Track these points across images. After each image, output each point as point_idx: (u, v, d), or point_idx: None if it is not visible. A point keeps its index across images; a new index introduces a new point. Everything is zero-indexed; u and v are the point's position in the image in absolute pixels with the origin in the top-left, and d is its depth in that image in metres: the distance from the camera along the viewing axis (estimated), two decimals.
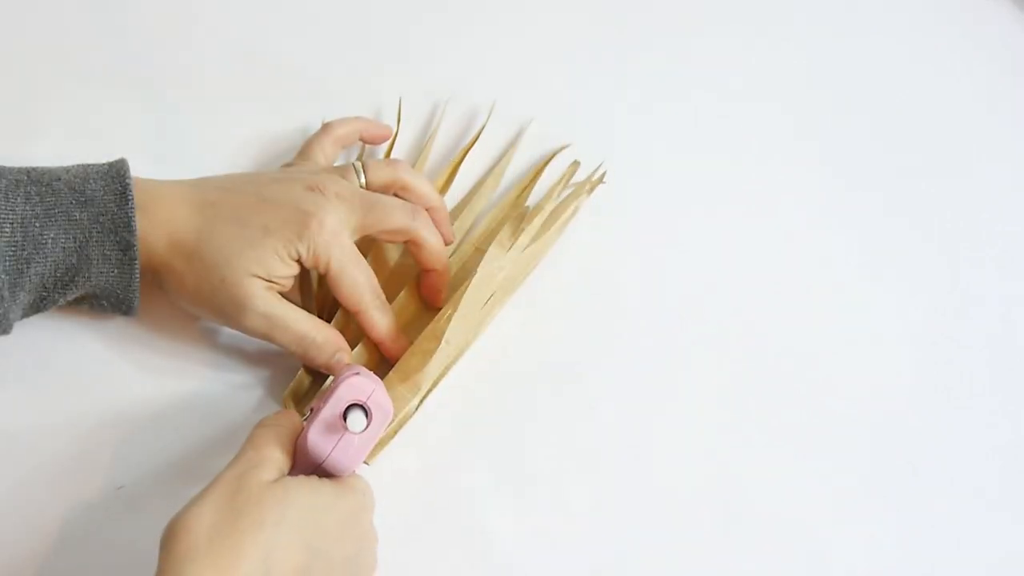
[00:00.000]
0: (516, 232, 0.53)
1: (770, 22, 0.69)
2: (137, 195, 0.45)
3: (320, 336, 0.48)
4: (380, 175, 0.51)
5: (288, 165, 0.53)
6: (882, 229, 0.62)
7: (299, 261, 0.47)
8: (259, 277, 0.46)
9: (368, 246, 0.54)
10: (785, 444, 0.53)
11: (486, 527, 0.49)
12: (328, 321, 0.50)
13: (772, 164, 0.63)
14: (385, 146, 0.58)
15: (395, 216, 0.49)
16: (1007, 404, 0.57)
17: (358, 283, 0.48)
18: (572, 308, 0.56)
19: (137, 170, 0.47)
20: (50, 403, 0.48)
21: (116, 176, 0.45)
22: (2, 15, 0.59)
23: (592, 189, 0.58)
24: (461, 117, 0.61)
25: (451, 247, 0.55)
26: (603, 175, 0.58)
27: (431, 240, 0.50)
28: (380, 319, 0.49)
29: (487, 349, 0.53)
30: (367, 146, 0.58)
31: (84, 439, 0.47)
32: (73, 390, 0.49)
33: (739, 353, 0.56)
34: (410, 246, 0.51)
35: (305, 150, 0.54)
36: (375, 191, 0.51)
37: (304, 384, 0.50)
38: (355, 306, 0.49)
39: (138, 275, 0.46)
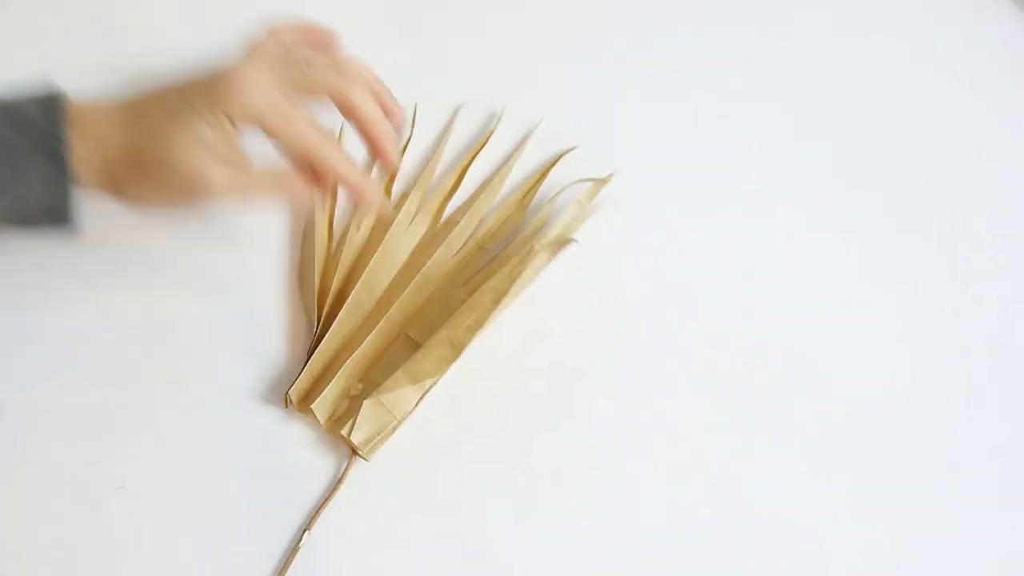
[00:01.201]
0: (552, 257, 0.54)
1: (772, 23, 0.69)
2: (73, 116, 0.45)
3: (286, 186, 0.48)
4: (319, 59, 0.49)
5: None
6: (882, 229, 0.62)
7: (231, 121, 0.46)
8: (203, 149, 0.46)
9: (375, 244, 0.54)
10: (785, 445, 0.53)
11: (486, 527, 0.49)
12: (331, 320, 0.51)
13: (775, 165, 0.63)
14: (398, 148, 0.58)
15: (327, 75, 0.48)
16: (1007, 404, 0.57)
17: (298, 128, 0.47)
18: (573, 307, 0.56)
19: None
20: (50, 403, 0.48)
21: (44, 92, 0.45)
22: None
23: (596, 193, 0.58)
24: (473, 122, 0.61)
25: (455, 245, 0.55)
26: (608, 177, 0.58)
27: (365, 100, 0.48)
28: (336, 154, 0.48)
29: (488, 348, 0.53)
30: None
31: (84, 439, 0.47)
32: (73, 390, 0.49)
33: (739, 353, 0.56)
34: (344, 110, 0.49)
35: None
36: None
37: (306, 383, 0.50)
38: (303, 151, 0.47)
39: (73, 187, 0.45)
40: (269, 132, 0.47)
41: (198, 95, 0.46)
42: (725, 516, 0.51)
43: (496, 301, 0.51)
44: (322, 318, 0.52)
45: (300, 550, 0.47)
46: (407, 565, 0.47)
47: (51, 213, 0.46)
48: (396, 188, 0.57)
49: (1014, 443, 0.55)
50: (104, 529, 0.46)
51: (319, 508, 0.48)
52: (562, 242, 0.55)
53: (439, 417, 0.51)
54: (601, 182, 0.58)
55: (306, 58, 0.48)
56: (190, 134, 0.45)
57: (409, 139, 0.58)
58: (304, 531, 0.47)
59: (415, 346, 0.51)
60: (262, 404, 0.50)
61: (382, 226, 0.56)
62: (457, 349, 0.50)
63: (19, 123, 0.45)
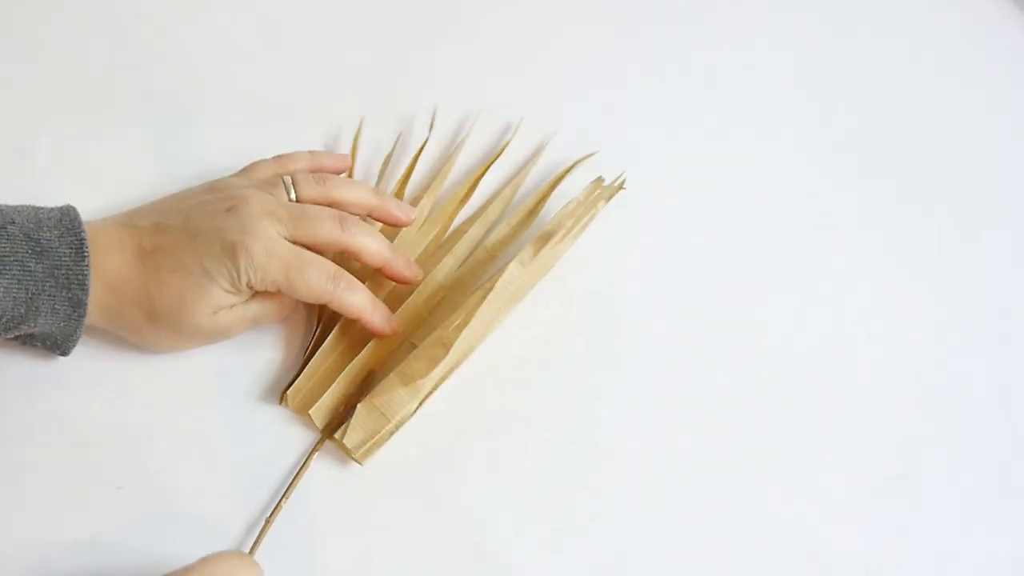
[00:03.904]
0: (537, 252, 0.53)
1: (787, 33, 0.68)
2: None
3: (285, 309, 0.50)
4: (310, 192, 0.50)
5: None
6: (887, 233, 0.61)
7: (249, 286, 0.47)
8: (223, 313, 0.47)
9: (388, 233, 0.54)
10: (789, 448, 0.53)
11: (485, 527, 0.48)
12: (331, 324, 0.51)
13: (787, 178, 0.63)
14: (409, 158, 0.58)
15: (323, 228, 0.48)
16: (1007, 405, 0.56)
17: (310, 282, 0.47)
18: (574, 310, 0.55)
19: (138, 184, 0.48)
20: (49, 403, 0.48)
21: (70, 227, 0.44)
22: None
23: (611, 196, 0.57)
24: (489, 130, 0.61)
25: (463, 253, 0.55)
26: (623, 182, 0.58)
27: (368, 246, 0.49)
28: (351, 299, 0.48)
29: (488, 349, 0.53)
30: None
31: (84, 439, 0.48)
32: (72, 389, 0.49)
33: (742, 361, 0.55)
34: (351, 256, 0.50)
35: (249, 168, 0.53)
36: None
37: (304, 384, 0.50)
38: (321, 300, 0.48)
39: (82, 328, 0.45)
40: (289, 292, 0.48)
41: (217, 263, 0.45)
42: (726, 518, 0.50)
43: (482, 298, 0.51)
44: (322, 320, 0.52)
45: (297, 552, 0.47)
46: (407, 565, 0.47)
47: (49, 342, 0.46)
48: (408, 192, 0.57)
49: (1014, 444, 0.55)
50: (104, 529, 0.46)
51: (283, 496, 0.47)
52: (545, 237, 0.53)
53: (439, 417, 0.51)
54: (599, 184, 0.57)
55: (304, 210, 0.48)
56: (210, 302, 0.46)
57: (425, 142, 0.58)
58: (268, 516, 0.47)
59: None
60: (258, 404, 0.50)
61: (390, 231, 0.56)
62: (446, 347, 0.50)
63: (46, 256, 0.43)
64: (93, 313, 0.45)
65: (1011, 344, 0.58)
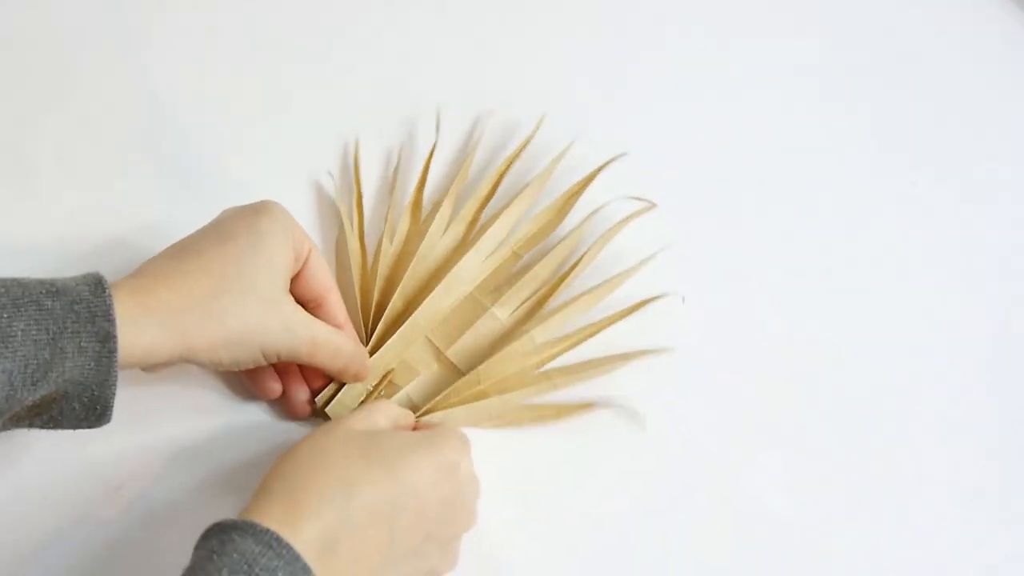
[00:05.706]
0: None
1: (794, 35, 0.68)
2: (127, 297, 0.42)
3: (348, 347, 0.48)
4: None
5: None
6: (897, 238, 0.61)
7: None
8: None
9: (409, 254, 0.54)
10: (787, 448, 0.53)
11: (486, 528, 0.48)
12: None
13: (819, 179, 0.62)
14: (423, 157, 0.57)
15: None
16: (1007, 406, 0.55)
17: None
18: None
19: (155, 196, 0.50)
20: None
21: (88, 274, 0.42)
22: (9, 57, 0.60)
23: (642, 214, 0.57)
24: (505, 129, 0.60)
25: (486, 249, 0.54)
26: (648, 206, 0.58)
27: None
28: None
29: None
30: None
31: (84, 440, 0.46)
32: None
33: (741, 356, 0.55)
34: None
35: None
36: None
37: (331, 392, 0.50)
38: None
39: (116, 370, 0.41)
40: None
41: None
42: (726, 517, 0.50)
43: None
44: (372, 335, 0.51)
45: None
46: None
47: (85, 397, 0.41)
48: (427, 195, 0.57)
49: (1014, 444, 0.54)
50: (104, 529, 0.46)
51: None
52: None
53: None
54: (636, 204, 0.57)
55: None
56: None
57: (435, 146, 0.58)
58: None
59: (435, 351, 0.51)
60: (261, 404, 0.50)
61: (415, 236, 0.55)
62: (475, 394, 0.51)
63: (62, 294, 0.40)
64: (132, 348, 0.41)
65: (1012, 345, 0.58)
